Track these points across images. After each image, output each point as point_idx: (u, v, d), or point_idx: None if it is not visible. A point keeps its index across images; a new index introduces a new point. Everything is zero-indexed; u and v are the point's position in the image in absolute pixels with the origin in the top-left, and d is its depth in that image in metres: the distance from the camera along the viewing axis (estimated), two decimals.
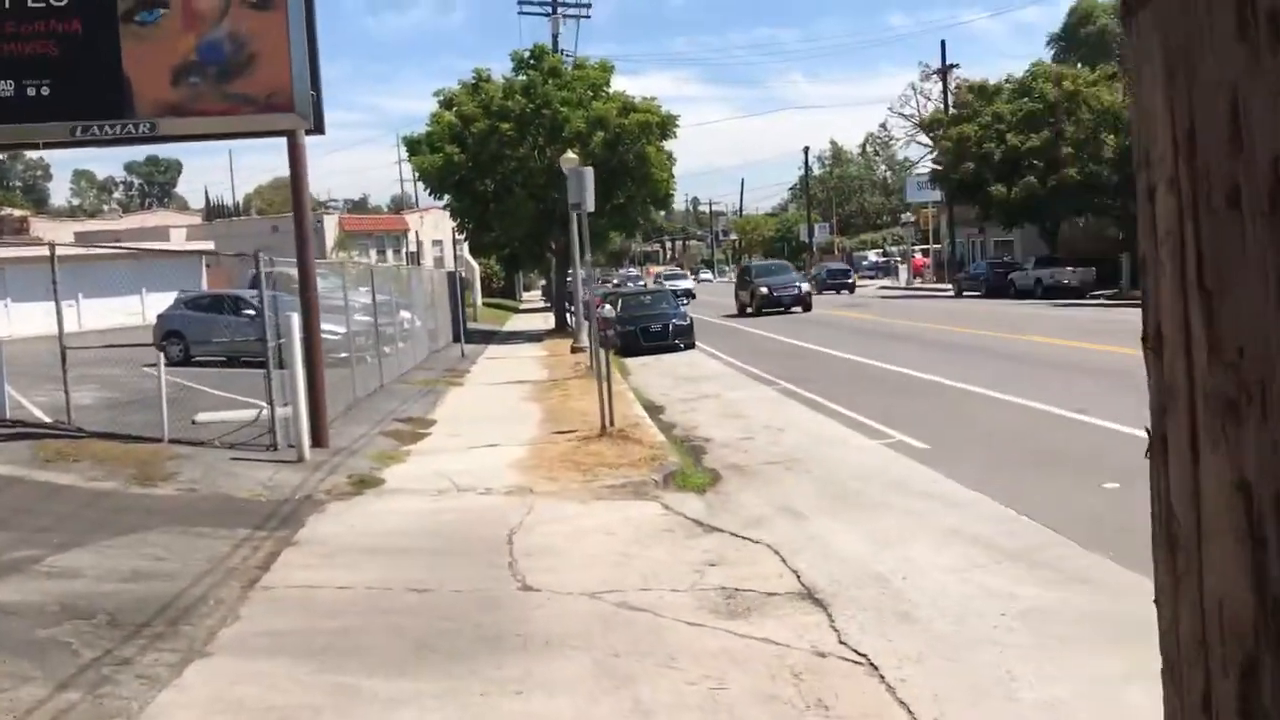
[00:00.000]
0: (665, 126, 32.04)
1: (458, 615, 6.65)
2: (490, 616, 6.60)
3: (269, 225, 48.00)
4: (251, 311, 22.66)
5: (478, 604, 6.88)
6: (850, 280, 64.32)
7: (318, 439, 11.85)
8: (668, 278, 69.83)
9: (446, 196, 34.50)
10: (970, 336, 25.02)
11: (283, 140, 11.83)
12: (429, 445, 12.96)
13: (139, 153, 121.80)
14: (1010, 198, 43.11)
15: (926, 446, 11.68)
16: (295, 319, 11.57)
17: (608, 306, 12.99)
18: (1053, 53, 75.25)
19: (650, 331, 25.88)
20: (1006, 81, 48.04)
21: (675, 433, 13.95)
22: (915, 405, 14.86)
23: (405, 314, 24.06)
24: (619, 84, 33.67)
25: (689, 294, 57.25)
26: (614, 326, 13.10)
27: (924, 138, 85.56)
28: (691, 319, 27.87)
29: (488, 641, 6.17)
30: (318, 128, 11.66)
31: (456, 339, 29.51)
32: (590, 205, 12.86)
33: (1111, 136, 38.09)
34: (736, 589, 7.10)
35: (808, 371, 19.87)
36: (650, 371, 21.99)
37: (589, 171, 12.96)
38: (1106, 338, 22.14)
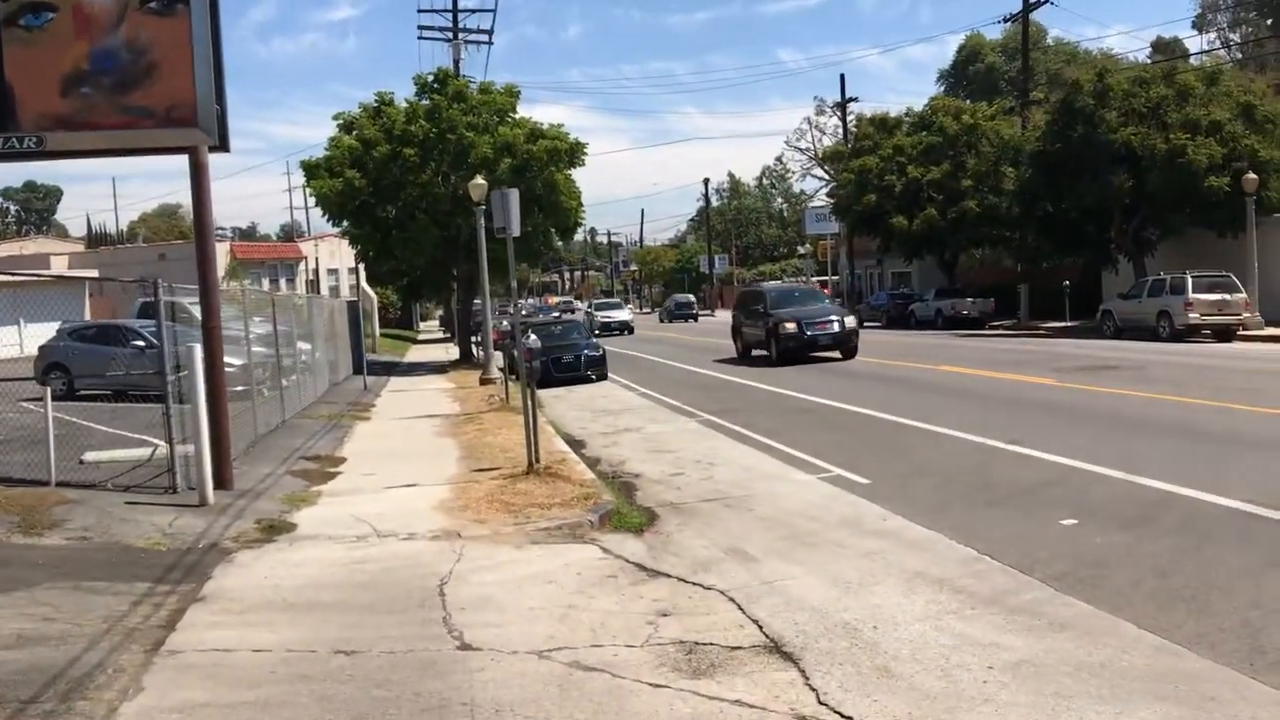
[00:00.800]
0: (574, 153, 31.53)
1: (393, 681, 5.95)
2: (430, 683, 5.91)
3: (155, 253, 46.25)
4: (141, 343, 21.43)
5: (414, 667, 6.19)
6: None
7: (221, 480, 10.96)
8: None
9: (345, 223, 33.44)
10: (885, 368, 24.92)
11: (169, 165, 11.05)
12: (342, 485, 12.12)
13: (16, 176, 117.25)
14: (911, 229, 43.62)
15: (867, 481, 11.27)
16: (198, 350, 10.70)
17: (533, 336, 12.33)
18: (943, 88, 77.17)
19: (562, 363, 25.23)
20: (906, 115, 48.80)
21: (601, 468, 13.35)
22: (845, 438, 14.52)
23: (304, 345, 23.06)
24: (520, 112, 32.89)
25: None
26: (540, 357, 12.45)
27: (820, 171, 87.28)
28: (604, 350, 27.33)
29: (431, 713, 5.49)
30: (222, 144, 10.83)
31: (358, 371, 28.47)
32: (516, 229, 12.18)
33: (1011, 169, 38.74)
34: (696, 643, 6.54)
35: (726, 403, 19.46)
36: (564, 404, 21.36)
37: (514, 194, 12.23)
38: (1017, 368, 22.25)
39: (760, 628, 6.80)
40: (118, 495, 10.77)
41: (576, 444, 15.54)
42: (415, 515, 10.06)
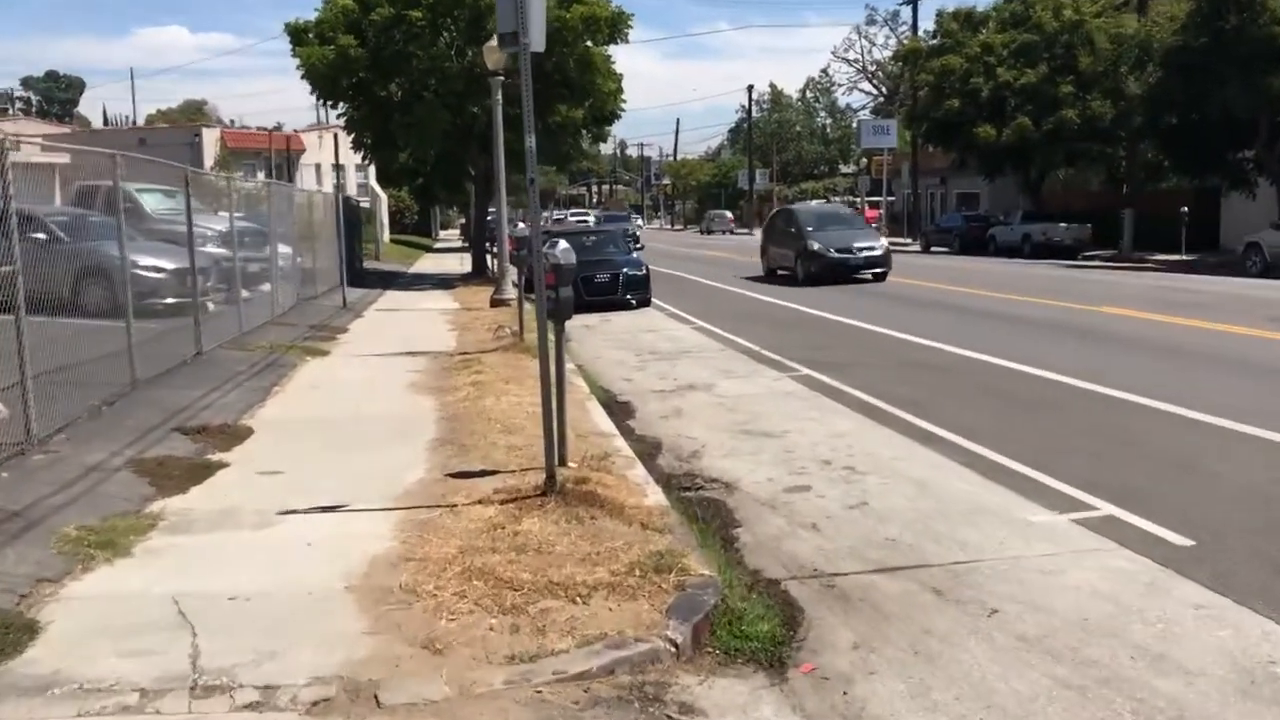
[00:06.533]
0: (616, 25, 25.70)
1: None
2: None
3: (136, 137, 40.95)
4: (43, 235, 16.37)
5: None
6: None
7: None
8: (608, 218, 55.09)
9: (341, 104, 27.98)
10: (1014, 305, 19.40)
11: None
12: (207, 502, 6.74)
13: (37, 66, 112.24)
14: (999, 140, 37.69)
15: (1185, 541, 5.95)
16: None
17: (562, 244, 7.02)
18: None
19: (595, 283, 19.81)
20: (994, 10, 42.51)
21: (661, 463, 8.14)
22: (1056, 427, 9.11)
23: (285, 249, 18.04)
24: None
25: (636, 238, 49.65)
26: (569, 279, 7.13)
27: (867, 85, 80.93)
28: (648, 268, 21.83)
29: None
30: None
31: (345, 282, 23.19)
32: (539, 41, 6.88)
33: (1131, 72, 32.62)
34: None
35: (823, 348, 14.13)
36: (599, 339, 16.04)
37: None
38: (1204, 313, 16.67)
39: None
40: None
41: (621, 410, 10.33)
42: (306, 610, 4.81)
